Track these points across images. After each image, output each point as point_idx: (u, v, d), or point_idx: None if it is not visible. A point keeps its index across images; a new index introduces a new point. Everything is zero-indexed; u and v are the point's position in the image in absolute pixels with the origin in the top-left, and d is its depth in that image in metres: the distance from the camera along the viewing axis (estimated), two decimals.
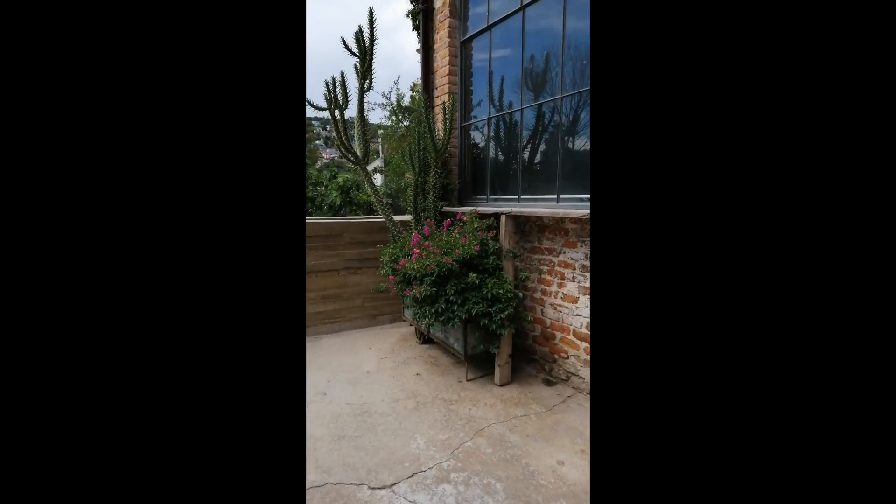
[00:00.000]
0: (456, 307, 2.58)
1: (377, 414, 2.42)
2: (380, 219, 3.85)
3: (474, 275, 2.57)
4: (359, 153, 3.46)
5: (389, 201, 7.38)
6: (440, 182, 3.59)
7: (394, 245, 3.26)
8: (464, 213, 3.07)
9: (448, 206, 3.71)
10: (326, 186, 8.77)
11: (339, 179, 8.49)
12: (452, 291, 2.58)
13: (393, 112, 8.39)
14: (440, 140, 3.54)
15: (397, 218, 3.69)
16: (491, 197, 3.60)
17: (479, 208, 3.12)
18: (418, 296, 2.62)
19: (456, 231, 2.93)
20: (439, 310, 2.63)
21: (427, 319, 2.70)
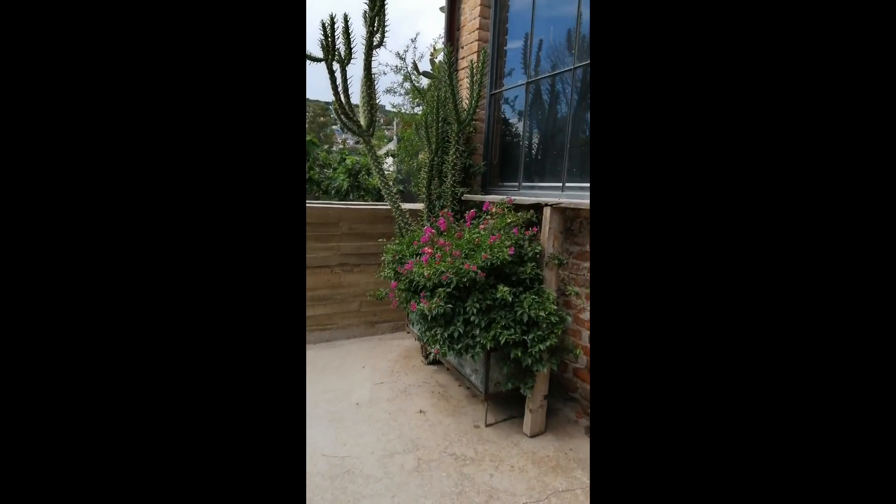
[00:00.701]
0: (478, 331, 1.87)
1: (363, 476, 1.74)
2: (385, 206, 3.13)
3: (506, 288, 1.85)
4: (362, 121, 2.74)
5: (400, 188, 6.64)
6: (461, 163, 2.86)
7: (399, 240, 2.55)
8: (493, 203, 2.35)
9: (469, 192, 2.98)
10: (335, 170, 8.08)
11: (348, 162, 7.78)
12: (475, 310, 1.87)
13: (407, 77, 7.46)
14: (465, 110, 2.80)
15: (406, 206, 2.96)
16: (524, 184, 2.86)
17: (512, 197, 2.38)
18: (427, 312, 1.91)
19: (482, 226, 2.22)
20: (455, 334, 1.91)
21: (439, 346, 1.99)
